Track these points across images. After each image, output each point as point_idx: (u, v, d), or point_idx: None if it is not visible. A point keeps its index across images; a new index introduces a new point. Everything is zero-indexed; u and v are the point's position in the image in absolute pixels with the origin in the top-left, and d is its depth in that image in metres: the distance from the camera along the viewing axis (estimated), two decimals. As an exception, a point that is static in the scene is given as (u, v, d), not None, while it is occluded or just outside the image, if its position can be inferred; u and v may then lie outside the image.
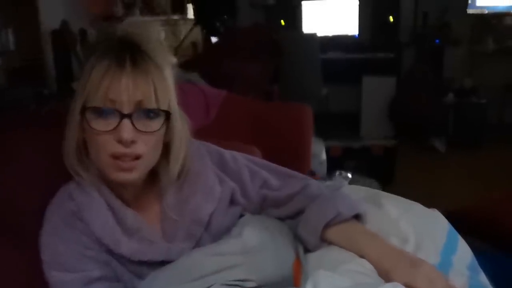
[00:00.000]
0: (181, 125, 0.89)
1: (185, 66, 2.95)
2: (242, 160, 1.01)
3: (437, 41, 4.64)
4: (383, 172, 3.25)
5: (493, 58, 4.51)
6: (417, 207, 0.98)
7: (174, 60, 0.89)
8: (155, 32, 0.86)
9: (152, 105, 0.81)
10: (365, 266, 0.82)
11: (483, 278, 0.89)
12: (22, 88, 3.13)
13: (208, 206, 0.92)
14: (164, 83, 0.82)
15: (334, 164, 2.64)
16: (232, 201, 0.97)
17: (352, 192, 1.02)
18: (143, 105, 0.80)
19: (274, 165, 1.04)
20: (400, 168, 3.41)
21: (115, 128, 0.78)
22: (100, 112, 0.79)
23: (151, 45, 0.83)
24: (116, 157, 0.80)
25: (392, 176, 3.35)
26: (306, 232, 0.89)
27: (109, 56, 0.79)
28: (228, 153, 1.01)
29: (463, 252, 0.91)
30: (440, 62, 4.65)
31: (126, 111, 0.79)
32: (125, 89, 0.78)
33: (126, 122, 0.78)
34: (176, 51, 3.60)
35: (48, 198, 0.89)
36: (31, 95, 2.98)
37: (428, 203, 1.00)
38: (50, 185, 0.90)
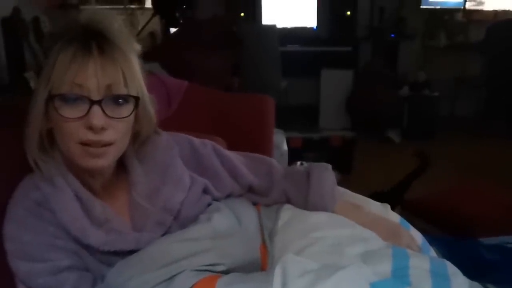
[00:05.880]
0: (151, 112, 0.89)
1: (144, 57, 2.90)
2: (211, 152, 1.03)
3: (392, 35, 4.77)
4: (342, 163, 3.32)
5: (445, 53, 4.68)
6: (371, 201, 1.07)
7: (138, 47, 0.88)
8: (117, 20, 0.85)
9: (122, 90, 0.80)
10: (327, 243, 0.87)
11: (433, 254, 0.98)
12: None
13: (179, 195, 0.93)
14: (132, 69, 0.82)
15: (295, 155, 2.68)
16: (205, 191, 0.98)
17: None
18: (112, 91, 0.80)
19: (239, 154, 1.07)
20: (357, 158, 3.50)
21: (85, 115, 0.78)
22: (69, 99, 0.78)
23: (115, 33, 0.82)
24: (85, 144, 0.79)
25: (350, 166, 3.43)
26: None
27: (74, 43, 0.78)
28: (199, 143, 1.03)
29: (414, 235, 0.99)
30: (395, 56, 4.79)
31: (95, 97, 0.78)
32: (93, 74, 0.77)
33: (96, 108, 0.78)
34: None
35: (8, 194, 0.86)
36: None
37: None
38: (9, 181, 0.87)
